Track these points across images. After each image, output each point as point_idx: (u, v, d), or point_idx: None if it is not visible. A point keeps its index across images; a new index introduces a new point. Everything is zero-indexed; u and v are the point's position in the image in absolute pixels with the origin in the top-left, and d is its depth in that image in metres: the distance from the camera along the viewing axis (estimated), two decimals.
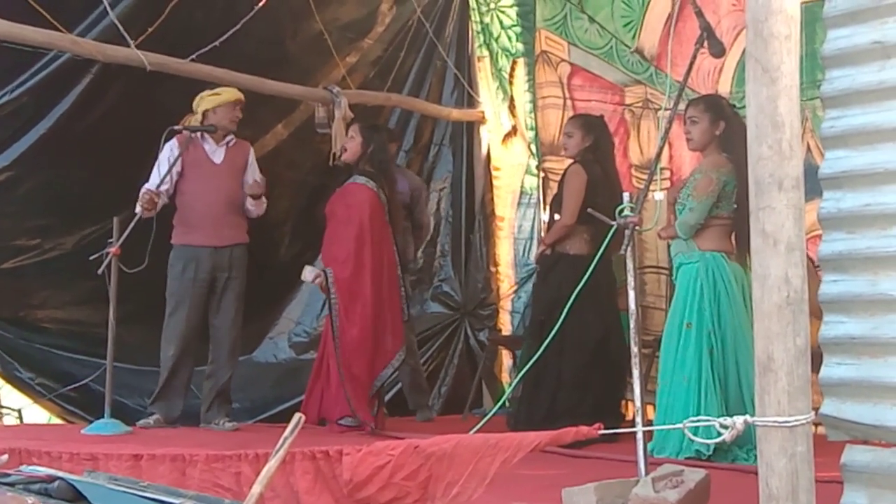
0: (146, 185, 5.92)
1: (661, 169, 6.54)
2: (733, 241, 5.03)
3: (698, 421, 2.91)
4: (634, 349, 3.59)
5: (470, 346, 7.78)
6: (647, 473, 3.34)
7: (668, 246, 5.54)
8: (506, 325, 7.84)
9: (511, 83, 7.80)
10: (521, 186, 7.79)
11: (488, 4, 7.90)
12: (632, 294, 3.63)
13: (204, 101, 6.08)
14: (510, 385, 6.69)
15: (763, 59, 2.54)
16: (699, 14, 4.24)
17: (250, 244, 6.25)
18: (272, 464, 2.72)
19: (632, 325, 3.63)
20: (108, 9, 5.91)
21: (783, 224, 2.51)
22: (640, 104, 7.05)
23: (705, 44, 4.20)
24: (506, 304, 7.84)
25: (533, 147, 7.69)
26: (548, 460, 4.41)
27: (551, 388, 5.61)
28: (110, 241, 5.68)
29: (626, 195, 3.76)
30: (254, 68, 6.46)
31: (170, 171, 5.94)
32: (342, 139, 6.67)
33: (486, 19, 7.93)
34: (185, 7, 6.07)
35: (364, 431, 5.71)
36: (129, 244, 5.67)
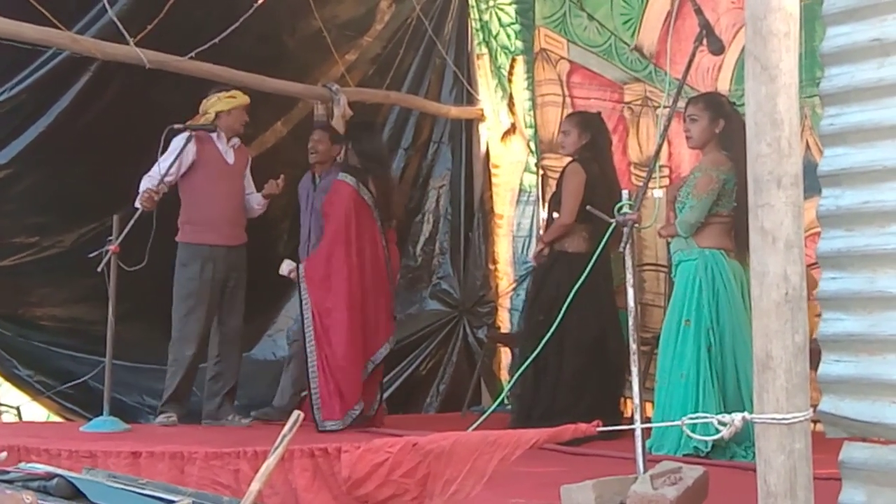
0: (146, 175, 5.92)
1: (660, 167, 6.54)
2: (733, 239, 5.03)
3: (697, 418, 2.91)
4: (633, 347, 3.58)
5: (468, 343, 7.79)
6: (645, 470, 3.34)
7: (667, 243, 5.54)
8: (504, 322, 7.84)
9: (510, 81, 7.81)
10: (520, 184, 7.80)
11: (487, 2, 7.90)
12: (630, 292, 3.62)
13: (220, 103, 6.12)
14: (509, 382, 6.69)
15: (762, 56, 2.54)
16: (698, 12, 4.23)
17: (253, 241, 6.31)
18: (271, 461, 2.72)
19: (630, 322, 3.62)
20: (108, 6, 5.91)
21: (782, 221, 2.51)
22: (639, 102, 7.05)
23: (704, 41, 4.19)
24: (504, 302, 7.85)
25: (532, 145, 7.69)
26: (546, 457, 4.41)
27: (550, 386, 5.62)
28: (109, 238, 5.68)
29: (624, 193, 3.75)
30: (253, 66, 6.46)
31: (177, 162, 5.94)
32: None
33: (486, 17, 7.93)
34: (184, 5, 6.06)
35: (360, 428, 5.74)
36: (128, 242, 5.67)
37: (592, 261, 3.94)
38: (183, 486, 3.07)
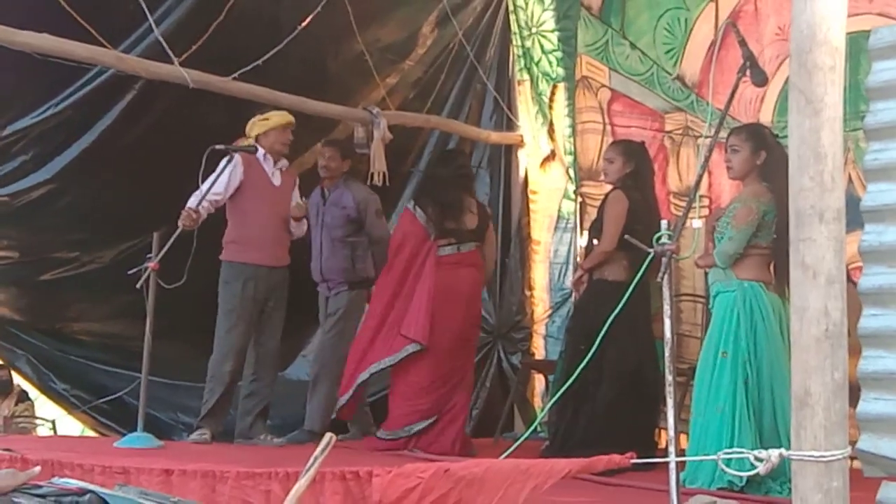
0: (193, 195, 5.97)
1: (700, 196, 6.50)
2: (772, 271, 4.98)
3: (733, 453, 2.88)
4: (669, 378, 3.55)
5: (502, 369, 7.76)
6: (679, 503, 3.31)
7: (706, 274, 5.50)
8: (539, 348, 7.81)
9: (551, 107, 7.80)
10: (559, 211, 7.78)
11: (530, 29, 7.91)
12: (667, 322, 3.59)
13: (256, 126, 6.25)
14: (542, 409, 6.65)
15: (807, 90, 2.52)
16: (742, 43, 4.21)
17: (291, 261, 6.35)
18: (302, 483, 2.72)
19: (666, 353, 3.59)
20: (154, 26, 5.97)
21: (823, 256, 2.48)
22: (680, 131, 7.02)
23: (747, 73, 4.17)
24: (540, 328, 7.82)
25: (571, 172, 7.67)
26: (579, 487, 4.38)
27: (587, 415, 5.58)
28: (149, 255, 5.73)
29: (664, 223, 3.73)
30: (295, 88, 6.50)
31: (227, 183, 6.04)
32: (380, 160, 6.73)
33: (528, 43, 7.94)
34: (229, 26, 6.12)
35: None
36: (168, 260, 5.70)
37: (630, 290, 3.92)
38: None
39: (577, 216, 7.60)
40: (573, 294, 6.57)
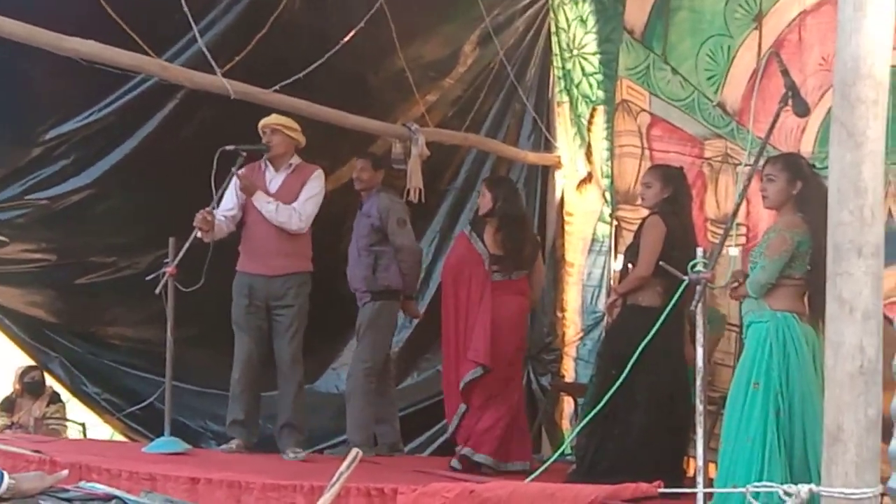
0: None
1: (738, 225, 6.46)
2: (806, 303, 4.94)
3: (762, 486, 2.85)
4: (700, 407, 3.53)
5: (532, 390, 7.72)
6: None
7: (740, 303, 5.46)
8: (569, 371, 7.77)
9: (589, 130, 7.79)
10: (594, 233, 7.75)
11: (571, 51, 7.91)
12: (700, 351, 3.57)
13: (299, 135, 6.20)
14: (571, 433, 6.62)
15: (849, 123, 2.50)
16: (785, 73, 4.20)
17: (319, 274, 6.27)
18: (327, 497, 2.71)
19: (698, 382, 3.57)
20: (198, 36, 6.01)
21: (861, 291, 2.46)
22: (719, 158, 6.98)
23: (789, 102, 4.15)
24: (570, 350, 7.78)
25: (607, 195, 7.65)
26: None
27: (617, 441, 5.54)
28: (166, 261, 5.75)
29: (699, 251, 3.71)
30: (335, 102, 6.53)
31: (235, 196, 6.01)
32: (417, 176, 6.74)
33: (568, 65, 7.93)
34: (272, 38, 6.16)
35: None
36: (192, 265, 5.71)
37: (663, 317, 3.90)
38: None
39: (612, 239, 7.56)
40: (605, 318, 6.54)
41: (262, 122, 6.12)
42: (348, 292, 6.70)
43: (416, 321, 7.34)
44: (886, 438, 2.49)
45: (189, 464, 5.10)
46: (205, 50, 5.95)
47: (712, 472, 5.07)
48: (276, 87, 6.09)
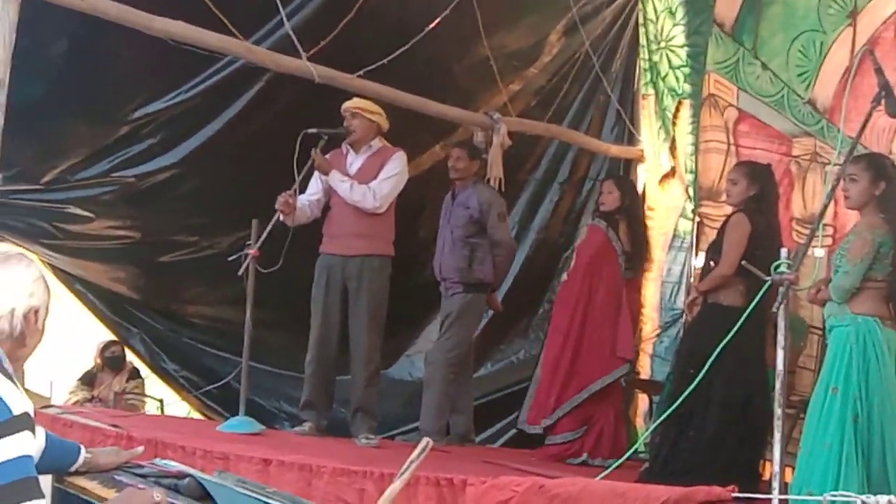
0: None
1: (824, 225, 6.32)
2: (889, 306, 4.81)
3: (839, 495, 2.78)
4: (777, 410, 3.45)
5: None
6: None
7: (823, 306, 5.34)
8: (645, 368, 7.69)
9: (674, 124, 7.69)
10: (675, 229, 7.65)
11: (658, 43, 7.81)
12: (780, 353, 3.50)
13: (384, 120, 6.17)
14: (645, 431, 6.55)
15: None
16: (879, 71, 4.09)
17: (399, 260, 6.23)
18: (396, 485, 2.70)
19: (777, 385, 3.50)
20: (285, 19, 6.06)
21: None
22: (807, 157, 6.84)
23: (882, 102, 4.04)
24: (647, 347, 7.69)
25: (690, 190, 7.54)
26: None
27: (692, 441, 5.47)
28: (248, 243, 5.79)
29: (783, 251, 3.63)
30: (418, 89, 6.53)
31: (319, 180, 6.06)
32: (498, 166, 6.71)
33: (655, 57, 7.83)
34: (358, 24, 6.17)
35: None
36: (272, 248, 5.74)
37: (744, 317, 3.82)
38: (308, 501, 3.08)
39: (694, 236, 7.46)
40: (684, 316, 6.46)
41: (344, 105, 6.13)
42: (425, 280, 6.70)
43: (492, 312, 7.31)
44: None
45: (262, 445, 5.15)
46: (291, 33, 5.99)
47: (788, 477, 4.98)
48: (360, 72, 6.11)
